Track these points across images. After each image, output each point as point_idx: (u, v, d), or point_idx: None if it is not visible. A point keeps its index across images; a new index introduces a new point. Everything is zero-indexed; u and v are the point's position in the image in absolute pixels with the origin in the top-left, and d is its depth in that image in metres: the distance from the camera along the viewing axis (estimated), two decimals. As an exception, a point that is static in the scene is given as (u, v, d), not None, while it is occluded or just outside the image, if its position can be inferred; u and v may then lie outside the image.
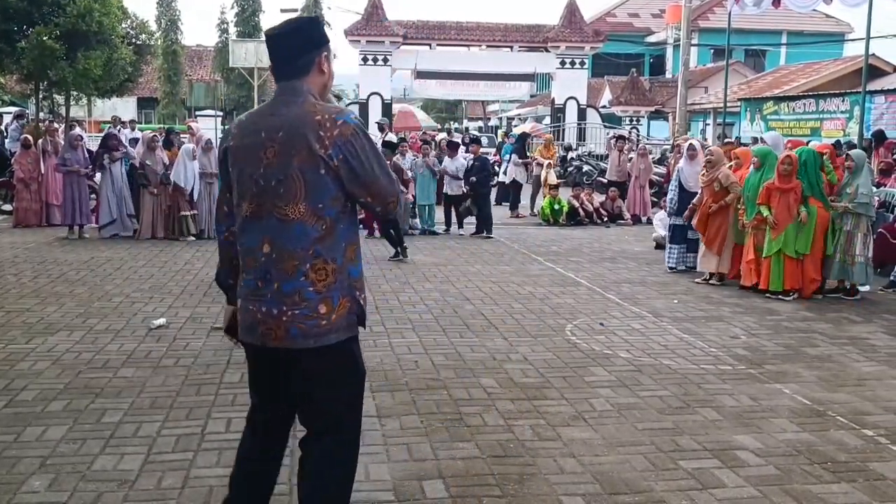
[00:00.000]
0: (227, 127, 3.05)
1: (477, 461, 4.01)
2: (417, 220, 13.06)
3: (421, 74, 29.74)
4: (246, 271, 2.77)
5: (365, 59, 28.09)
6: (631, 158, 15.87)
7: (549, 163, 16.13)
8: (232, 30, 38.63)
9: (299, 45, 2.75)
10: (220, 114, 31.10)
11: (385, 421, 4.56)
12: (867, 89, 17.07)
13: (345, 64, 33.24)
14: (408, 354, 5.93)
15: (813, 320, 7.30)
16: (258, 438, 3.00)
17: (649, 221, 14.69)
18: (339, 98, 44.17)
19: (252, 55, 24.67)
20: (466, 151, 14.25)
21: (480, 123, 48.28)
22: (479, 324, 6.93)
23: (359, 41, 27.74)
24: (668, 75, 39.03)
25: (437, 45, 28.87)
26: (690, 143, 10.32)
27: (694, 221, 9.09)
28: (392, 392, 5.07)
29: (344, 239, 2.72)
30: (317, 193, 2.64)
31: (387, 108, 28.33)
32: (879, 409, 4.91)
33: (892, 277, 8.71)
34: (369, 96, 27.92)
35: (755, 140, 20.05)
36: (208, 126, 23.19)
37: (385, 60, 28.03)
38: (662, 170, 17.05)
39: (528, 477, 3.84)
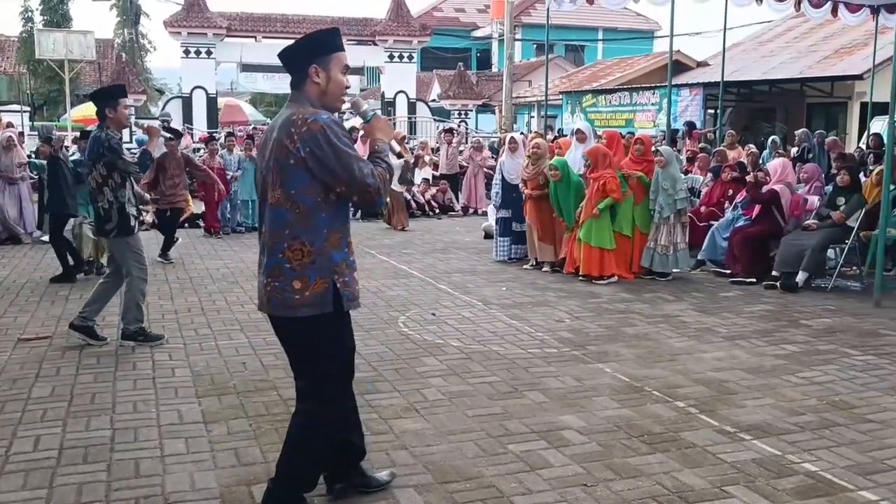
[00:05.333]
0: None
1: (308, 461, 3.92)
2: (240, 216, 12.72)
3: (247, 67, 28.89)
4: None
5: (187, 52, 26.96)
6: (462, 151, 16.15)
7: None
8: (38, 18, 35.97)
9: (292, 60, 3.20)
10: (28, 109, 28.91)
11: (211, 426, 4.38)
12: (673, 83, 18.27)
13: (166, 57, 31.78)
14: (235, 356, 5.73)
15: (631, 301, 7.71)
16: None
17: (477, 213, 15.07)
18: (161, 92, 42.26)
19: (61, 46, 22.91)
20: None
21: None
22: (311, 320, 6.81)
23: (180, 33, 26.57)
24: (495, 69, 40.06)
25: (263, 37, 28.14)
26: (511, 137, 10.62)
27: (525, 213, 9.32)
28: (219, 396, 4.89)
29: (326, 226, 3.09)
30: (289, 182, 3.04)
31: (212, 103, 27.38)
32: (690, 381, 5.24)
33: (699, 257, 9.35)
34: (193, 90, 26.84)
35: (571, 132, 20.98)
36: (12, 121, 21.42)
37: (209, 53, 27.03)
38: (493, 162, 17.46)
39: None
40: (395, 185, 12.88)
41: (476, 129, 30.48)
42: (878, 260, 7.88)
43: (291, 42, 3.30)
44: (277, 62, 3.32)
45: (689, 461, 3.97)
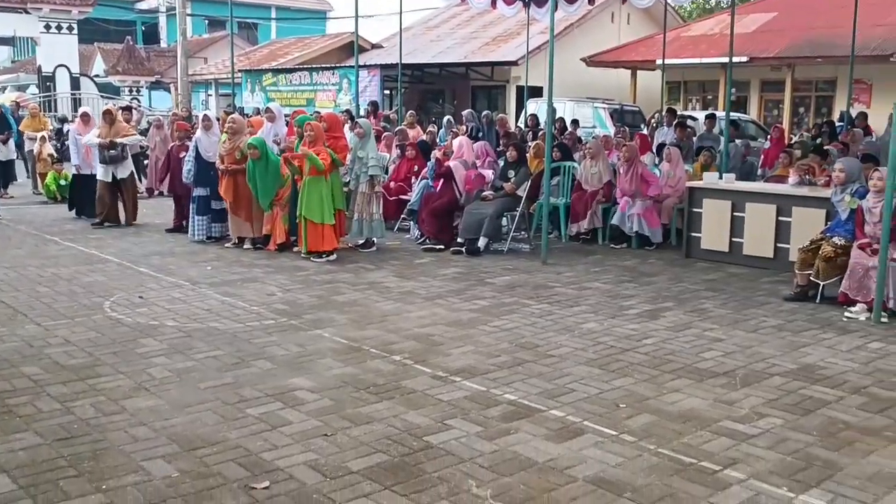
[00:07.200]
0: None
1: (41, 448, 3.81)
2: None
3: None
4: None
5: None
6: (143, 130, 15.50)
7: (44, 136, 15.07)
8: None
9: None
10: None
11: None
12: (353, 64, 18.99)
13: None
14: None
15: (336, 272, 8.13)
16: None
17: (163, 194, 14.59)
18: None
19: None
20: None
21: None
22: (3, 313, 6.34)
23: None
24: (164, 45, 38.34)
25: None
26: (205, 114, 10.50)
27: (221, 189, 9.31)
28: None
29: None
30: None
31: None
32: (402, 337, 5.79)
33: (394, 231, 10.04)
34: None
35: (257, 111, 20.96)
36: None
37: None
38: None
39: (102, 452, 3.79)
40: (101, 174, 11.06)
41: (150, 106, 29.07)
42: (543, 225, 9.10)
43: None
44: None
45: (412, 404, 4.47)
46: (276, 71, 25.58)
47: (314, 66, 24.80)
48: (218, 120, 11.16)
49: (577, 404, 4.51)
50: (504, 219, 9.76)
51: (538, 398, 4.60)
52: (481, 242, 9.18)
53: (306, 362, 5.20)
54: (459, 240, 9.32)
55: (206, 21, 39.02)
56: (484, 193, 9.58)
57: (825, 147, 11.03)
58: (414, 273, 8.13)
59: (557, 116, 14.53)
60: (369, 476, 3.59)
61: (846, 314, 6.57)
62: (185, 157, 10.39)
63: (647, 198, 9.65)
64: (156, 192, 14.90)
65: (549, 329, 6.08)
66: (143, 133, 16.74)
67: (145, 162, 15.80)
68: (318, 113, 13.90)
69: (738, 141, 13.03)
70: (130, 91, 28.82)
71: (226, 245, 9.47)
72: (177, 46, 26.92)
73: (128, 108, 16.87)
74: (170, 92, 31.94)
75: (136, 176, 11.97)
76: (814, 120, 20.80)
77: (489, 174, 10.01)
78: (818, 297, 7.03)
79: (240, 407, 4.39)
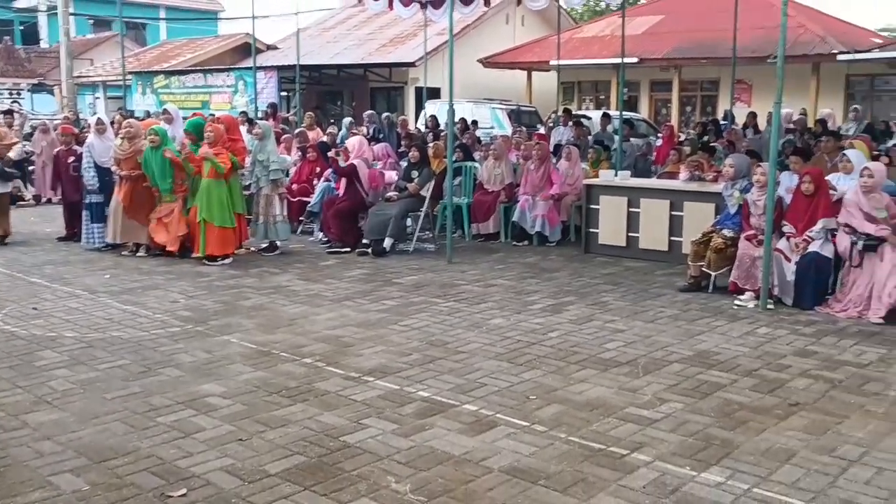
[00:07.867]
0: None
1: (-61, 468, 3.65)
2: None
3: None
4: None
5: None
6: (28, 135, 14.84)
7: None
8: None
9: None
10: None
11: None
12: (249, 66, 18.72)
13: None
14: None
15: (240, 277, 8.02)
16: None
17: (51, 202, 14.03)
18: None
19: None
20: None
21: None
22: None
23: None
24: (45, 45, 36.69)
25: None
26: (98, 118, 10.17)
27: (118, 193, 9.03)
28: None
29: None
30: None
31: None
32: (311, 340, 5.78)
33: (297, 234, 9.95)
34: None
35: (147, 114, 20.39)
36: None
37: None
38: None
39: (5, 469, 3.66)
40: None
41: (32, 110, 27.76)
42: (447, 225, 9.22)
43: None
44: None
45: (326, 405, 4.49)
46: (169, 73, 24.90)
47: (208, 67, 24.26)
48: (112, 123, 10.82)
49: (488, 398, 4.62)
50: (408, 219, 9.83)
51: (451, 393, 4.69)
52: (387, 243, 9.22)
53: (216, 368, 5.14)
54: (365, 241, 9.33)
55: (91, 22, 37.53)
56: (388, 194, 9.63)
57: (712, 144, 11.57)
58: (320, 276, 8.10)
59: (458, 117, 14.69)
60: (288, 478, 3.59)
61: (736, 302, 6.94)
62: (72, 162, 10.06)
63: (548, 196, 9.87)
64: (44, 200, 14.33)
65: (458, 326, 6.19)
66: (28, 138, 16.01)
67: (31, 168, 15.13)
68: (213, 115, 13.66)
69: (633, 140, 13.49)
70: (10, 94, 27.41)
71: (123, 253, 9.19)
72: (59, 47, 25.81)
73: (9, 112, 16.10)
74: (53, 94, 30.58)
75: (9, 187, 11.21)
76: (700, 118, 21.72)
77: (392, 175, 10.06)
78: (710, 287, 7.39)
79: (150, 416, 4.31)
